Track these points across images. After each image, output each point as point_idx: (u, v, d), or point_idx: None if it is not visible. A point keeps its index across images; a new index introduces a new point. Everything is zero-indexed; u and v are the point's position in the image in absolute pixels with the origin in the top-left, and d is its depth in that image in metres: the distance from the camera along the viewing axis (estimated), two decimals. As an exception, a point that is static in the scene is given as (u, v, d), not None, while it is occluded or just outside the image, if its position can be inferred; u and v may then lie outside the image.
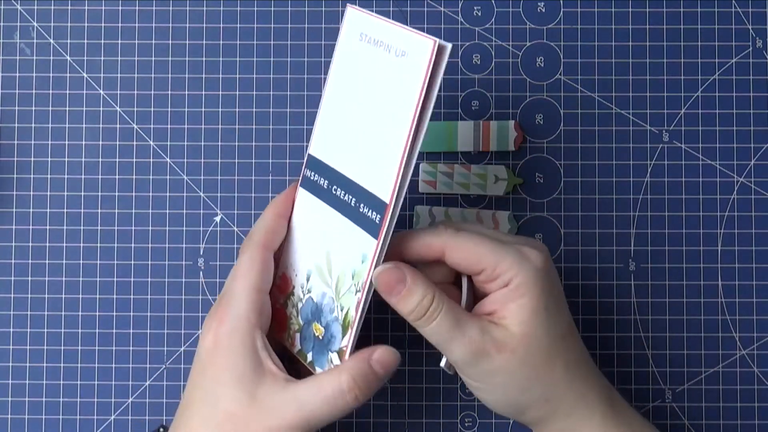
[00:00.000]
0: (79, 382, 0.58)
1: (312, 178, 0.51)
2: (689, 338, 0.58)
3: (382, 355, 0.48)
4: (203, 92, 0.59)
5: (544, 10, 0.59)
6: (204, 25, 0.59)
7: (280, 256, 0.52)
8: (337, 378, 0.47)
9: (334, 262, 0.49)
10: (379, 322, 0.58)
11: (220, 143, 0.59)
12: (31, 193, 0.59)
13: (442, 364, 0.50)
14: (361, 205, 0.48)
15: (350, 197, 0.48)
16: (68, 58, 0.59)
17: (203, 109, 0.59)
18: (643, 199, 0.58)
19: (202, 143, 0.59)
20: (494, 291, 0.48)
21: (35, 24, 0.59)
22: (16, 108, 0.59)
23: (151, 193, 0.59)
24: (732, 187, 0.58)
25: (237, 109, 0.59)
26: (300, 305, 0.52)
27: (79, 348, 0.58)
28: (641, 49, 0.59)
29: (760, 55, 0.59)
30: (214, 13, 0.59)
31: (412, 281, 0.47)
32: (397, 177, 0.46)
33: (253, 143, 0.59)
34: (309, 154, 0.51)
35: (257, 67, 0.59)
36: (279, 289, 0.53)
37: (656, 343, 0.58)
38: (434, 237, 0.48)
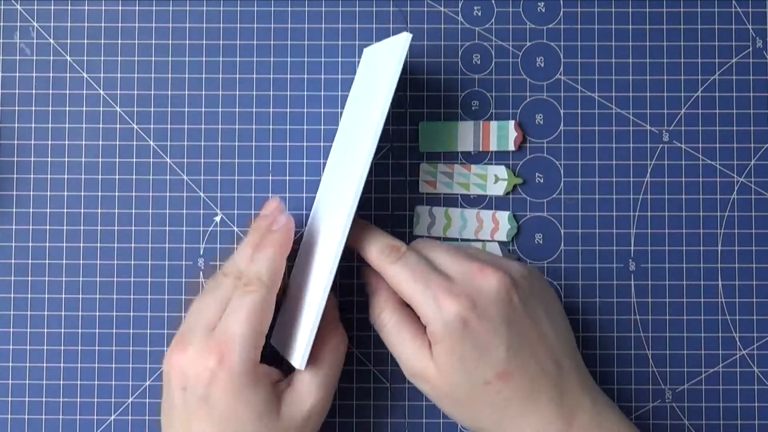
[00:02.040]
0: (79, 382, 0.58)
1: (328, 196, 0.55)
2: (689, 338, 0.58)
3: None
4: (203, 92, 0.59)
5: (544, 10, 0.59)
6: (204, 25, 0.59)
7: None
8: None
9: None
10: (379, 322, 0.58)
11: (220, 143, 0.59)
12: (31, 193, 0.59)
13: None
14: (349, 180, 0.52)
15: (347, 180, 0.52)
16: (68, 58, 0.59)
17: (203, 109, 0.59)
18: (643, 199, 0.58)
19: (202, 143, 0.59)
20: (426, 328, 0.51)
21: (35, 24, 0.59)
22: (16, 108, 0.59)
23: (151, 193, 0.59)
24: (732, 187, 0.58)
25: (237, 109, 0.59)
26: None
27: (79, 348, 0.58)
28: (641, 49, 0.59)
29: (760, 55, 0.59)
30: (214, 13, 0.59)
31: (374, 287, 0.53)
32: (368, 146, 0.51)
33: (253, 143, 0.59)
34: None
35: (257, 67, 0.59)
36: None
37: (656, 343, 0.58)
38: (376, 260, 0.51)
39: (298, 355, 0.50)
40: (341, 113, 0.59)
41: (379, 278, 0.53)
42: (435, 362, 0.49)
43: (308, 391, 0.51)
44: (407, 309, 0.52)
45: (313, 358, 0.50)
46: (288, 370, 0.52)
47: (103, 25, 0.59)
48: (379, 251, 0.51)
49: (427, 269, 0.50)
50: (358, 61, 0.59)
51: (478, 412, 0.50)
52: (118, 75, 0.59)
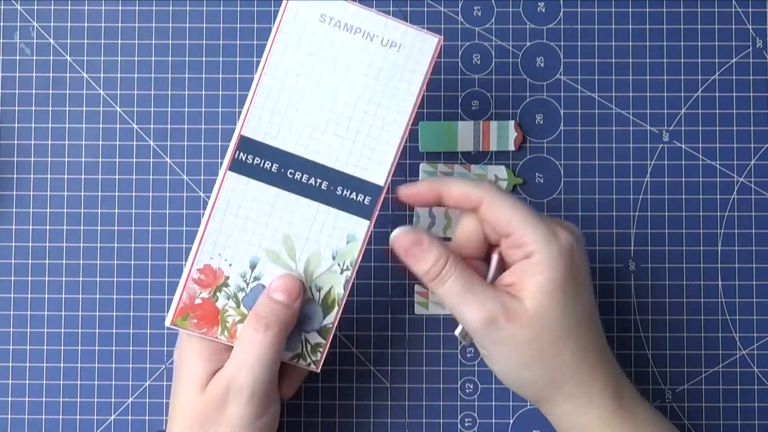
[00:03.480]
0: (79, 382, 0.58)
1: (250, 161, 0.50)
2: (689, 338, 0.58)
3: (277, 283, 0.50)
4: (203, 92, 0.59)
5: (544, 10, 0.59)
6: (204, 25, 0.59)
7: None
8: (246, 323, 0.49)
9: (298, 245, 0.50)
10: (380, 321, 0.58)
11: (220, 143, 0.59)
12: (31, 193, 0.59)
13: (457, 332, 0.50)
14: (339, 188, 0.49)
15: (319, 181, 0.49)
16: (68, 58, 0.59)
17: (203, 109, 0.59)
18: (643, 199, 0.58)
19: (202, 143, 0.59)
20: (517, 261, 0.48)
21: (35, 24, 0.59)
22: (16, 108, 0.59)
23: (151, 193, 0.59)
24: (732, 187, 0.58)
25: (237, 109, 0.59)
26: (242, 295, 0.50)
27: (79, 348, 0.58)
28: (641, 49, 0.59)
29: (760, 55, 0.59)
30: (214, 13, 0.59)
31: (428, 244, 0.48)
32: (392, 163, 0.50)
33: (253, 143, 0.59)
34: (242, 136, 0.49)
35: (257, 67, 0.59)
36: (201, 283, 0.50)
37: (656, 343, 0.58)
38: (476, 188, 0.49)
39: None
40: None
41: (425, 234, 0.49)
42: (531, 298, 0.47)
43: (239, 359, 0.49)
44: (465, 262, 0.49)
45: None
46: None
47: (103, 25, 0.59)
48: (477, 183, 0.49)
49: (530, 207, 0.49)
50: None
51: (558, 357, 0.47)
52: (118, 75, 0.59)
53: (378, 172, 0.50)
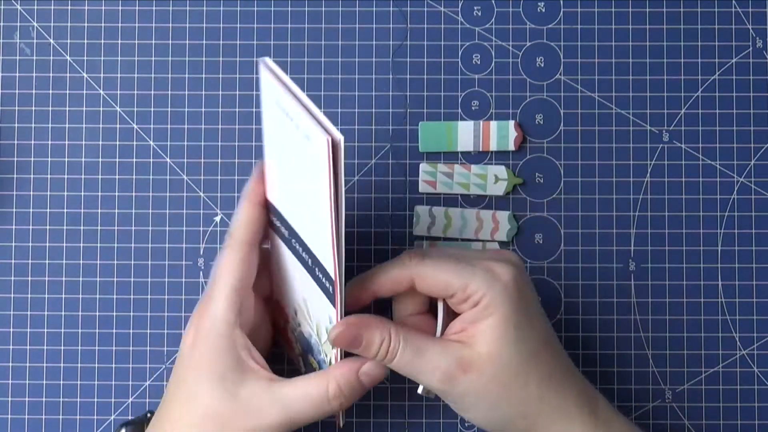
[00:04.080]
0: (79, 382, 0.58)
1: (275, 222, 0.50)
2: (689, 338, 0.58)
3: (370, 368, 0.49)
4: (203, 92, 0.59)
5: (544, 10, 0.59)
6: (204, 25, 0.59)
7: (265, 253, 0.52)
8: (324, 383, 0.48)
9: (311, 310, 0.51)
10: (379, 322, 0.58)
11: (220, 143, 0.59)
12: (31, 193, 0.59)
13: (420, 390, 0.50)
14: (316, 269, 0.48)
15: (307, 257, 0.48)
16: (68, 58, 0.59)
17: (203, 109, 0.59)
18: (643, 199, 0.58)
19: (202, 143, 0.59)
20: (466, 311, 0.48)
21: (35, 24, 0.59)
22: (16, 108, 0.59)
23: (151, 193, 0.59)
24: (732, 187, 0.58)
25: (237, 109, 0.59)
26: (296, 333, 0.53)
27: (79, 348, 0.58)
28: (641, 49, 0.59)
29: (760, 55, 0.59)
30: (214, 13, 0.59)
31: (366, 333, 0.48)
32: (334, 259, 0.45)
33: (253, 143, 0.59)
34: (269, 201, 0.50)
35: (257, 67, 0.59)
36: (279, 313, 0.54)
37: (656, 343, 0.58)
38: (401, 270, 0.49)
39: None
40: (340, 114, 0.59)
41: (361, 323, 0.48)
42: (484, 342, 0.47)
43: (296, 402, 0.48)
44: (405, 326, 0.49)
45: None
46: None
47: (103, 25, 0.59)
48: (401, 263, 0.49)
49: (459, 251, 0.50)
50: (358, 62, 0.59)
51: (525, 390, 0.48)
52: (118, 75, 0.59)
53: (328, 262, 0.46)
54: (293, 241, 0.49)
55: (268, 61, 0.46)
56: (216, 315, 0.48)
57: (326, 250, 0.45)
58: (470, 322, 0.48)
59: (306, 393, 0.48)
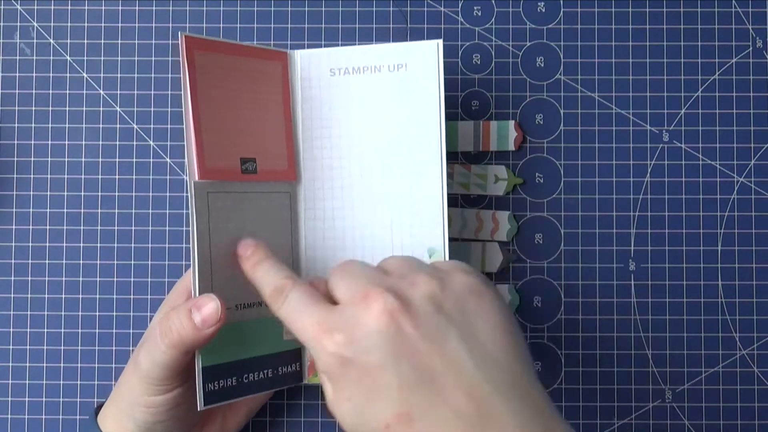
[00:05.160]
0: (79, 382, 0.58)
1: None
2: (689, 338, 0.58)
3: (202, 301, 0.47)
4: (203, 92, 0.59)
5: (544, 10, 0.59)
6: (204, 25, 0.59)
7: None
8: (162, 320, 0.48)
9: None
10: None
11: (220, 143, 0.59)
12: (31, 193, 0.59)
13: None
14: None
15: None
16: (68, 58, 0.59)
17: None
18: (643, 199, 0.58)
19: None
20: None
21: (35, 24, 0.59)
22: (16, 108, 0.59)
23: (151, 193, 0.59)
24: (732, 187, 0.58)
25: (237, 109, 0.59)
26: None
27: (79, 348, 0.58)
28: (641, 49, 0.59)
29: (760, 55, 0.59)
30: (214, 13, 0.59)
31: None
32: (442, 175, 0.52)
33: (253, 143, 0.59)
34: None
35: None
36: None
37: (656, 343, 0.58)
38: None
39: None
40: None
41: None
42: (331, 404, 0.43)
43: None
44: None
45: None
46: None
47: (103, 25, 0.59)
48: (267, 297, 0.47)
49: (311, 305, 0.44)
50: (358, 61, 0.59)
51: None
52: (118, 75, 0.59)
53: (433, 191, 0.53)
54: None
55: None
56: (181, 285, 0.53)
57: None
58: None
59: (149, 339, 0.49)
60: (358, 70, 0.53)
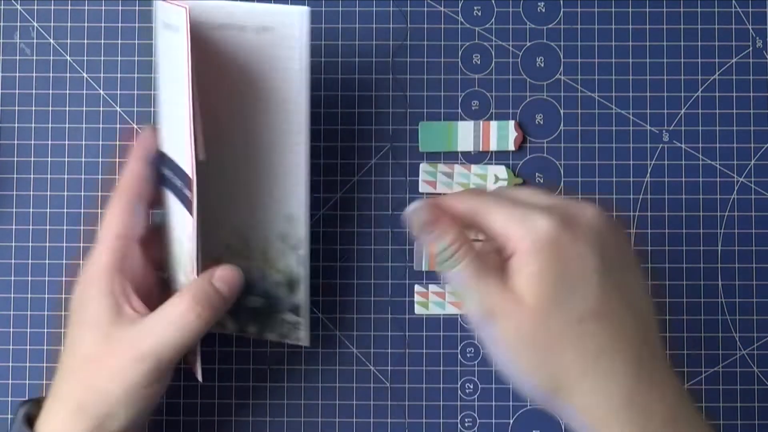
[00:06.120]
0: (79, 382, 0.58)
1: (168, 174, 0.51)
2: (689, 338, 0.58)
3: (223, 272, 0.50)
4: (203, 92, 0.59)
5: (544, 10, 0.59)
6: (204, 25, 0.59)
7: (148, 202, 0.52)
8: (178, 300, 0.49)
9: (181, 235, 0.51)
10: (380, 321, 0.58)
11: (220, 143, 0.59)
12: (31, 193, 0.59)
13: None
14: (180, 183, 0.49)
15: (181, 184, 0.49)
16: (68, 58, 0.59)
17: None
18: (643, 199, 0.58)
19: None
20: (510, 258, 0.44)
21: (35, 24, 0.59)
22: (16, 108, 0.59)
23: (151, 193, 0.59)
24: (732, 187, 0.58)
25: (237, 109, 0.59)
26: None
27: (79, 348, 0.58)
28: (641, 49, 0.59)
29: (760, 55, 0.59)
30: (214, 13, 0.59)
31: (445, 221, 0.45)
32: (189, 146, 0.47)
33: (253, 143, 0.59)
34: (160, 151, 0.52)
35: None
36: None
37: (656, 343, 0.58)
38: (461, 202, 0.46)
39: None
40: (340, 114, 0.59)
41: (441, 217, 0.46)
42: (524, 292, 0.43)
43: (158, 326, 0.49)
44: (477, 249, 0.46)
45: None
46: None
47: (103, 25, 0.59)
48: (461, 196, 0.47)
49: (514, 195, 0.46)
50: (358, 62, 0.59)
51: (560, 358, 0.43)
52: (118, 75, 0.59)
53: (186, 160, 0.48)
54: (179, 183, 0.50)
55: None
56: (95, 261, 0.50)
57: (186, 150, 0.47)
58: (514, 271, 0.44)
59: (165, 314, 0.48)
60: (222, 27, 0.49)
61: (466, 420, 0.57)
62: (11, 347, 0.58)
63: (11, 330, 0.58)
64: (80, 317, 0.50)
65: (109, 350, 0.48)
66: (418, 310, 0.58)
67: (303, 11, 0.49)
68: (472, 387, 0.58)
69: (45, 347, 0.58)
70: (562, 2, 0.59)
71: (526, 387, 0.45)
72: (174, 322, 0.48)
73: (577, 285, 0.43)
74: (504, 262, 0.45)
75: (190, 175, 0.47)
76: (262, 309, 0.55)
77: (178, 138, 0.49)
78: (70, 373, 0.49)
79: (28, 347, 0.58)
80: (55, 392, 0.50)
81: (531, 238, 0.43)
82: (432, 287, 0.58)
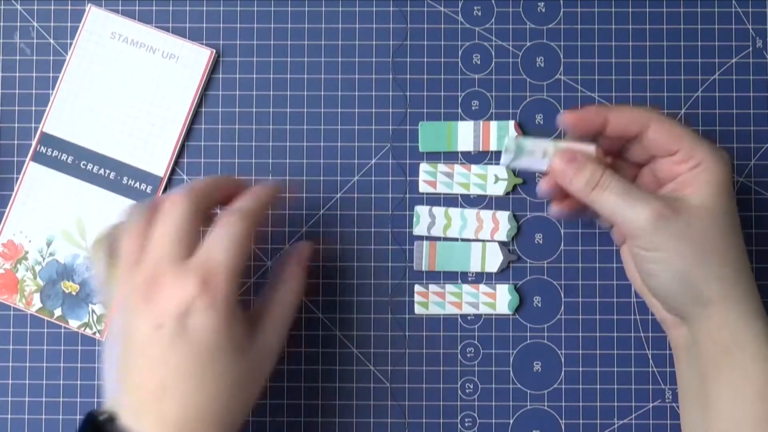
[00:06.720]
0: (79, 382, 0.58)
1: (49, 153, 0.58)
2: (689, 338, 0.58)
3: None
4: (203, 92, 0.59)
5: (544, 10, 0.59)
6: (204, 25, 0.59)
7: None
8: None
9: (89, 226, 0.57)
10: (380, 321, 0.58)
11: (220, 143, 0.59)
12: (31, 193, 0.59)
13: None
14: (125, 178, 0.57)
15: (108, 171, 0.57)
16: (68, 58, 0.59)
17: (204, 109, 0.59)
18: (643, 199, 0.58)
19: (202, 143, 0.59)
20: (683, 172, 0.50)
21: (35, 24, 0.59)
22: (16, 108, 0.59)
23: (151, 193, 0.59)
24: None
25: (237, 109, 0.59)
26: (39, 268, 0.57)
27: (79, 348, 0.58)
28: (641, 49, 0.59)
29: (760, 55, 0.59)
30: (214, 14, 0.59)
31: (582, 158, 0.51)
32: (171, 158, 0.58)
33: (253, 143, 0.59)
34: (44, 132, 0.58)
35: (257, 67, 0.59)
36: (4, 255, 0.58)
37: (656, 343, 0.58)
38: (641, 112, 0.51)
39: None
40: (340, 114, 0.59)
41: (577, 157, 0.51)
42: (697, 195, 0.49)
43: (273, 329, 0.50)
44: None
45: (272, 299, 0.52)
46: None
47: (103, 25, 0.59)
48: (641, 108, 0.53)
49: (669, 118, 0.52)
50: (358, 62, 0.59)
51: (728, 255, 0.49)
52: (118, 75, 0.59)
53: (159, 165, 0.58)
54: (83, 163, 0.58)
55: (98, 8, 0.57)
56: (229, 286, 0.47)
57: (161, 151, 0.58)
58: (682, 183, 0.50)
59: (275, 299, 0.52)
60: (135, 44, 0.58)
61: (466, 420, 0.57)
62: (11, 347, 0.58)
63: (11, 330, 0.58)
64: (219, 343, 0.47)
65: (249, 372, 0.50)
66: (418, 310, 0.58)
67: (207, 53, 0.58)
68: (472, 387, 0.58)
69: (45, 347, 0.58)
70: (562, 2, 0.59)
71: (685, 287, 0.49)
72: (287, 303, 0.52)
73: (734, 205, 0.50)
74: (633, 177, 0.53)
75: (161, 175, 0.54)
76: (73, 297, 0.54)
77: (129, 139, 0.58)
78: (214, 399, 0.47)
79: (28, 347, 0.58)
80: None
81: (720, 161, 0.49)
82: (432, 287, 0.58)
